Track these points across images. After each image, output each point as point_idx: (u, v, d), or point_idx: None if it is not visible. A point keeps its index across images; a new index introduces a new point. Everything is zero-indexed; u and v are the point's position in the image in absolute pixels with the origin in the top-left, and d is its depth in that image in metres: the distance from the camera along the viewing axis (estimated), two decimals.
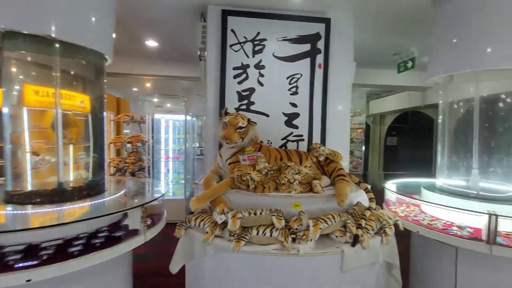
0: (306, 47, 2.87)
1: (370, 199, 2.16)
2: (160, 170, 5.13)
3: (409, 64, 4.20)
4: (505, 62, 2.10)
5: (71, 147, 2.15)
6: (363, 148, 7.78)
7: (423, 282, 2.39)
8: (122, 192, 2.37)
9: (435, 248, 2.21)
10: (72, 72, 2.20)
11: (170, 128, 5.41)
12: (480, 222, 1.91)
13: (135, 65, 4.82)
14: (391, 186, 2.76)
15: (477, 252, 1.86)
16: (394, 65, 4.62)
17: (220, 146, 2.60)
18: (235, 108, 2.84)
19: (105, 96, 2.54)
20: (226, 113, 2.37)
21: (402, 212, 2.41)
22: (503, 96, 2.32)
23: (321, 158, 2.38)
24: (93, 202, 1.99)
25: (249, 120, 2.31)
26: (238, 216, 1.80)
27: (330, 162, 2.38)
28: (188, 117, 5.22)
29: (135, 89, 8.63)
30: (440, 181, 2.58)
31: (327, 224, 1.84)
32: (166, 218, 2.26)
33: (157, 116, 4.95)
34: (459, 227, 2.06)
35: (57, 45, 1.93)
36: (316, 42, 2.87)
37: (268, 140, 2.88)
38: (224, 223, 1.85)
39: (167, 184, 5.13)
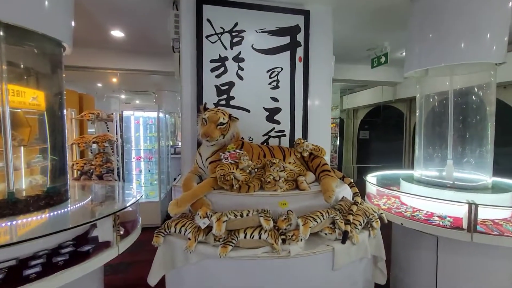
0: (286, 39, 2.78)
1: (355, 194, 2.14)
2: (132, 172, 4.78)
3: (382, 59, 4.30)
4: (478, 56, 2.18)
5: (22, 149, 1.86)
6: (337, 142, 7.98)
7: (404, 271, 2.45)
8: (89, 198, 2.11)
9: (416, 238, 2.26)
10: (21, 64, 1.90)
11: (141, 126, 5.07)
12: (459, 211, 1.98)
13: (100, 58, 4.41)
14: (371, 179, 2.79)
15: (457, 240, 1.92)
16: (368, 60, 4.72)
17: (199, 144, 2.43)
18: (214, 104, 2.67)
19: (64, 92, 2.23)
20: (206, 109, 2.21)
21: (384, 205, 2.44)
22: (475, 90, 2.42)
23: (305, 154, 2.32)
24: (53, 213, 1.72)
25: (230, 116, 2.17)
26: (223, 219, 1.67)
27: (314, 158, 2.32)
28: (161, 114, 4.92)
29: (99, 84, 8.02)
30: (417, 172, 2.65)
31: (317, 222, 1.77)
32: (141, 222, 2.06)
33: (126, 113, 4.58)
34: (440, 217, 2.11)
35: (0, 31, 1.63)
36: (296, 34, 2.79)
37: (249, 137, 2.76)
38: (208, 228, 1.71)
39: (139, 186, 4.80)
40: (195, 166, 2.31)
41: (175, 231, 1.79)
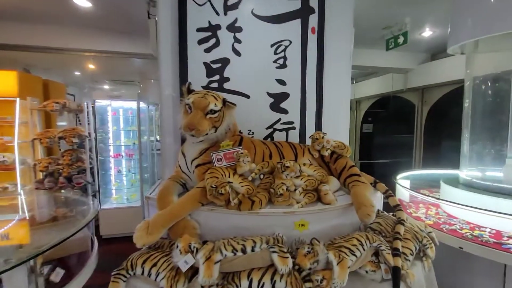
0: (296, 4, 2.15)
1: (396, 207, 1.56)
2: (109, 171, 4.12)
3: (400, 40, 3.71)
4: None
5: None
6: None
7: None
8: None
9: (472, 263, 1.71)
10: None
11: (121, 118, 4.38)
12: None
13: (67, 37, 3.68)
14: (403, 181, 2.22)
15: None
16: (381, 42, 4.13)
17: (183, 140, 1.81)
18: (203, 87, 2.04)
19: None
20: (190, 91, 1.58)
21: (427, 218, 1.88)
22: None
23: (326, 153, 1.73)
24: None
25: (224, 101, 1.56)
26: (216, 259, 1.07)
27: (338, 158, 1.74)
28: (143, 105, 4.24)
29: (77, 73, 7.24)
30: (464, 173, 2.09)
31: (355, 256, 1.19)
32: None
33: (100, 103, 3.88)
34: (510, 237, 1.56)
35: None
36: None
37: (249, 130, 2.15)
38: (193, 269, 1.11)
39: (119, 189, 4.15)
40: (177, 170, 1.69)
41: (142, 273, 1.18)
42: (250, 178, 1.46)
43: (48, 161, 3.43)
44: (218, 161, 1.55)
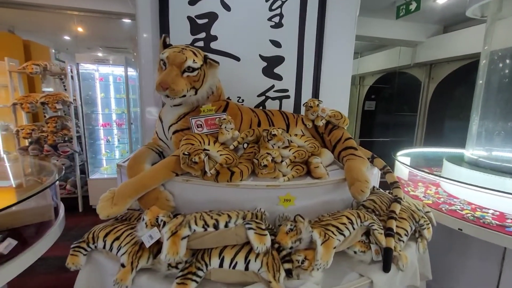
0: None
1: (393, 184, 1.42)
2: (98, 141, 3.96)
3: (412, 6, 3.38)
4: None
5: None
6: None
7: (448, 283, 1.84)
8: None
9: (470, 244, 1.61)
10: None
11: (112, 85, 4.14)
12: None
13: None
14: (403, 158, 2.07)
15: None
16: (390, 10, 3.78)
17: (163, 105, 1.63)
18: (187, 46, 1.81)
19: None
20: (166, 45, 1.37)
21: (426, 197, 1.75)
22: None
23: (321, 123, 1.55)
24: None
25: (205, 58, 1.35)
26: (183, 234, 0.93)
27: (333, 129, 1.56)
28: (133, 72, 3.99)
29: (67, 37, 6.84)
30: (470, 152, 1.92)
31: (344, 235, 1.06)
32: None
33: (85, 67, 3.62)
34: None
35: None
36: None
37: (239, 97, 1.96)
38: (160, 244, 0.98)
39: (109, 159, 4.02)
40: (154, 138, 1.53)
41: (104, 247, 1.05)
42: (232, 147, 1.30)
43: (31, 127, 3.26)
44: (197, 127, 1.38)
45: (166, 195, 1.21)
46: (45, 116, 3.67)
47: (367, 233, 1.16)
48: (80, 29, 5.35)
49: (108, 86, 4.08)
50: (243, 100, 1.97)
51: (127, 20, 4.64)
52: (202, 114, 1.41)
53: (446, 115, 5.46)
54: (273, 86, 2.01)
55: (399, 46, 5.15)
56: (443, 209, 1.56)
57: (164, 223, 0.99)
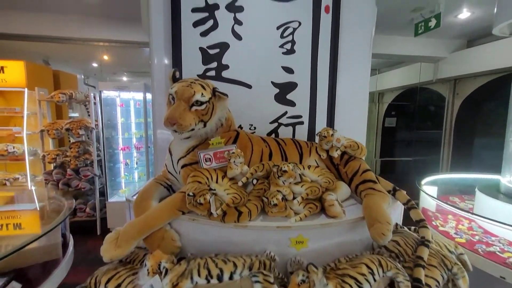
0: None
1: (419, 223, 1.27)
2: (118, 164, 4.07)
3: (432, 23, 3.26)
4: None
5: None
6: None
7: None
8: None
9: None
10: None
11: (132, 110, 4.30)
12: None
13: (76, 26, 3.61)
14: (429, 188, 1.90)
15: None
16: (408, 28, 3.68)
17: None
18: (199, 75, 1.83)
19: None
20: (175, 79, 1.37)
21: (457, 234, 1.56)
22: None
23: (336, 154, 1.46)
24: None
25: (214, 91, 1.33)
26: (184, 287, 0.86)
27: (350, 160, 1.46)
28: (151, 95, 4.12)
29: (94, 64, 7.32)
30: (508, 180, 1.73)
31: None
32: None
33: (109, 94, 3.80)
34: None
35: None
36: None
37: (251, 125, 1.92)
38: None
39: (128, 182, 4.10)
40: (163, 170, 1.51)
41: None
42: (240, 183, 1.24)
43: (56, 152, 3.41)
44: (206, 161, 1.34)
45: (172, 235, 1.16)
46: (69, 141, 3.85)
47: (391, 284, 1.03)
48: (106, 57, 5.71)
49: (128, 111, 4.24)
50: (255, 128, 1.93)
51: (147, 48, 4.88)
52: (211, 147, 1.37)
53: (475, 132, 5.11)
54: (286, 113, 1.95)
55: (419, 62, 4.98)
56: (480, 250, 1.37)
57: (167, 271, 0.93)
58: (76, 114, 4.60)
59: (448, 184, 2.23)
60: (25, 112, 3.32)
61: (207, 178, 1.22)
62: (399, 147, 6.68)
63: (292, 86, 1.94)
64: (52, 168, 3.61)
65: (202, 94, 1.27)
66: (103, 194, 3.92)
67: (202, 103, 1.27)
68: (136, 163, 4.10)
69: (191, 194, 1.05)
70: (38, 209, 1.79)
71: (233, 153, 1.28)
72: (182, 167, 1.36)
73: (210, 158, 1.35)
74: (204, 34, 1.81)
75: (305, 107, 1.98)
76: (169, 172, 1.45)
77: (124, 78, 9.79)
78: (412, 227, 1.42)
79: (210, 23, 1.80)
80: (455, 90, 4.96)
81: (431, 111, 5.42)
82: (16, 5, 3.45)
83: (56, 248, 1.23)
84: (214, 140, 1.37)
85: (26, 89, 3.31)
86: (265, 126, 1.95)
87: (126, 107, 4.15)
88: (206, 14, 1.78)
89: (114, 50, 5.53)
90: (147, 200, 1.27)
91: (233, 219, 1.10)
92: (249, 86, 1.89)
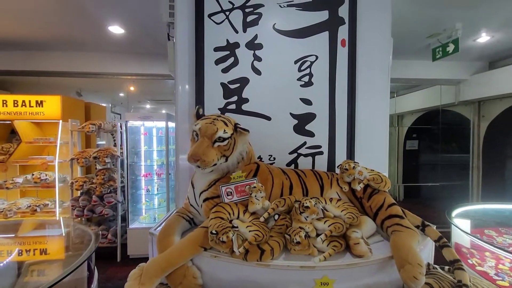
0: (323, 15, 1.94)
1: (454, 264, 1.19)
2: (140, 191, 4.18)
3: (450, 48, 3.24)
4: None
5: None
6: None
7: None
8: None
9: None
10: None
11: (154, 137, 4.49)
12: None
13: (105, 62, 3.94)
14: (462, 222, 1.78)
15: None
16: (425, 52, 3.68)
17: None
18: (220, 109, 1.91)
19: None
20: (199, 116, 1.44)
21: (497, 275, 1.43)
22: None
23: (358, 187, 1.43)
24: None
25: (236, 126, 1.38)
26: None
27: (373, 193, 1.43)
28: (173, 124, 4.30)
29: (121, 94, 7.82)
30: None
31: None
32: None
33: (134, 123, 4.02)
34: None
35: None
36: (338, 8, 1.94)
37: (270, 155, 1.94)
38: None
39: (149, 208, 4.18)
40: (186, 203, 1.54)
41: None
42: (262, 219, 1.23)
43: (84, 179, 3.58)
44: (227, 195, 1.36)
45: (194, 272, 1.16)
46: (96, 168, 4.03)
47: None
48: (132, 88, 6.10)
49: (151, 139, 4.43)
50: (274, 158, 1.94)
51: (170, 80, 5.19)
52: (232, 181, 1.39)
53: (506, 154, 4.82)
54: (305, 143, 1.96)
55: (439, 85, 4.90)
56: None
57: None
58: (103, 142, 4.86)
59: (482, 214, 2.09)
60: (58, 142, 3.56)
61: (229, 214, 1.23)
62: (424, 171, 6.38)
63: (310, 117, 1.96)
64: (79, 195, 3.77)
65: (225, 130, 1.32)
66: (124, 219, 4.00)
67: (224, 139, 1.32)
68: (157, 189, 4.19)
69: (214, 232, 1.06)
70: (63, 236, 1.86)
71: (254, 187, 1.29)
72: (204, 200, 1.38)
73: (231, 192, 1.37)
74: (225, 70, 1.91)
75: (324, 137, 1.98)
76: (191, 205, 1.48)
77: (148, 106, 10.32)
78: (446, 267, 1.33)
79: (231, 60, 1.90)
80: (480, 112, 4.77)
81: (456, 134, 5.21)
82: (58, 46, 3.85)
83: (82, 283, 1.25)
84: (236, 174, 1.40)
85: (60, 121, 3.59)
86: (285, 156, 1.96)
87: (149, 135, 4.34)
88: (227, 52, 1.90)
89: (140, 81, 5.91)
90: (169, 237, 1.29)
91: (256, 258, 1.09)
92: (269, 118, 1.94)
